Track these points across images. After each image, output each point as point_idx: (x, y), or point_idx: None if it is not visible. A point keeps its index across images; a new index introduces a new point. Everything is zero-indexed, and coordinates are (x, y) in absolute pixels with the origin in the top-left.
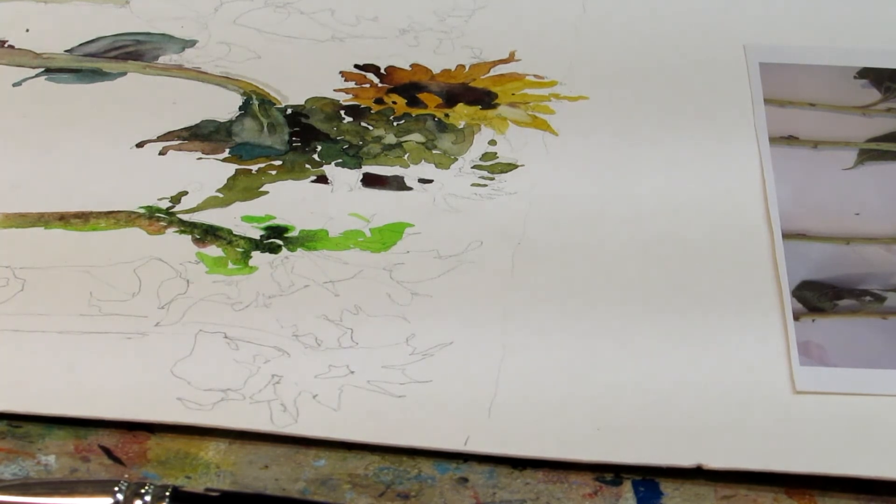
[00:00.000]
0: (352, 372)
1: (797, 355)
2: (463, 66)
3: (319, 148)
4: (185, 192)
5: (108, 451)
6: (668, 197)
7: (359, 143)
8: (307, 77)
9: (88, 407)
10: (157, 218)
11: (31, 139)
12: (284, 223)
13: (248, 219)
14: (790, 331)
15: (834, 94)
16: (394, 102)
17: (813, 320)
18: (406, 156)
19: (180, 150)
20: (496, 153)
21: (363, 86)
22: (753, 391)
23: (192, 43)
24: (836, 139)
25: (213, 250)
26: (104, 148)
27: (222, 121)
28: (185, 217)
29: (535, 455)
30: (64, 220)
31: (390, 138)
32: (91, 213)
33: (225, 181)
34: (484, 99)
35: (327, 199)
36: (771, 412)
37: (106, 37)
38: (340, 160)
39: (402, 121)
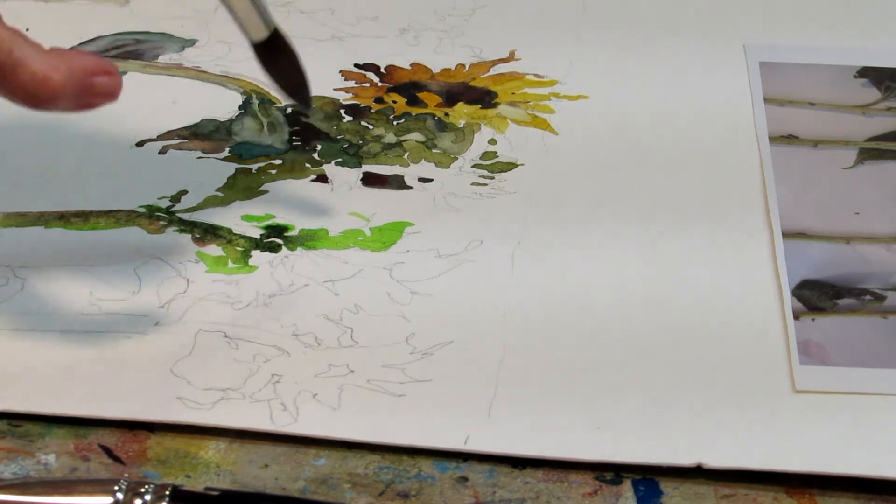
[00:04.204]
0: (352, 371)
1: (797, 354)
2: (463, 66)
3: (319, 147)
4: (185, 191)
5: (107, 451)
6: (668, 197)
7: (359, 143)
8: (307, 76)
9: (88, 406)
10: (157, 217)
11: (31, 139)
12: (284, 222)
13: (248, 218)
14: (790, 330)
15: (834, 93)
16: (394, 101)
17: (813, 319)
18: (406, 155)
19: (180, 149)
20: (496, 152)
21: (363, 85)
22: (753, 390)
23: (192, 42)
24: (836, 138)
25: (213, 249)
26: (104, 147)
27: (222, 120)
28: (185, 216)
29: (535, 454)
30: (64, 219)
31: (390, 137)
32: (91, 212)
33: (225, 180)
34: (484, 98)
35: (327, 198)
36: (771, 411)
37: (106, 36)
38: (340, 159)
39: (402, 120)
